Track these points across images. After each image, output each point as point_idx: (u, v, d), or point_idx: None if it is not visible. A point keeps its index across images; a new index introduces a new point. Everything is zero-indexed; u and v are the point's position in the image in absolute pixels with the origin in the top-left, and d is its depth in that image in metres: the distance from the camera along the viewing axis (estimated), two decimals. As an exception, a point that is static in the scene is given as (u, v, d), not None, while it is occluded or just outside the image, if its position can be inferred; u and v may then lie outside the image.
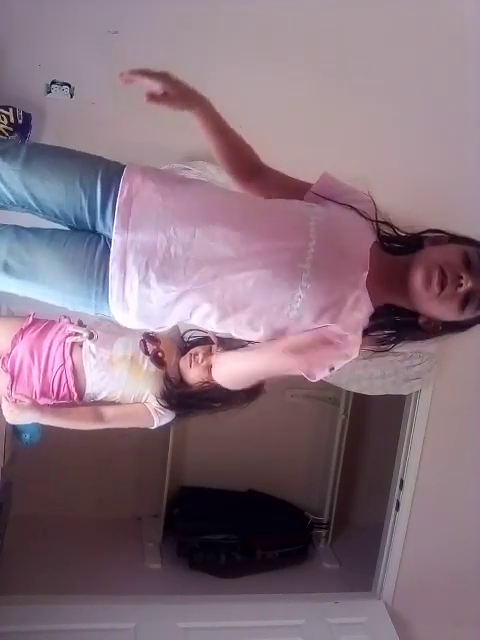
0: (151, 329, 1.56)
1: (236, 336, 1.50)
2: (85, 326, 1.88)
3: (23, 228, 1.50)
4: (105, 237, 1.43)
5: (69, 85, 2.60)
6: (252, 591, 3.58)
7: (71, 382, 1.79)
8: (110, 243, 1.40)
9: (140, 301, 1.41)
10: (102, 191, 1.42)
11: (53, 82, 2.59)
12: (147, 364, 1.80)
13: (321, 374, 1.43)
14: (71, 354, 1.80)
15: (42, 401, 1.80)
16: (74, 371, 1.79)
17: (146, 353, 1.79)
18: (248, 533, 3.87)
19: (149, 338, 1.82)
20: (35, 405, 1.76)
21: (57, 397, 1.82)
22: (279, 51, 2.69)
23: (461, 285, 1.37)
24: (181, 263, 1.38)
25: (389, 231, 1.52)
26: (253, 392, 1.83)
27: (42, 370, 1.80)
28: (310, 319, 1.40)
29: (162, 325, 1.50)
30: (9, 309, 2.82)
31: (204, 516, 3.90)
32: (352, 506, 4.32)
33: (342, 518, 4.25)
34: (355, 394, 3.71)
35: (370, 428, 4.23)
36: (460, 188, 2.92)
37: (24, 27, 2.54)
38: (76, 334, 1.82)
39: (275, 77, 2.67)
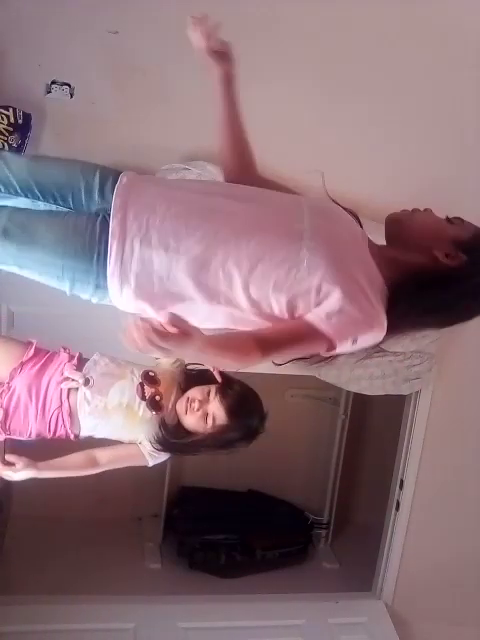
0: (150, 313, 1.47)
1: (243, 314, 1.46)
2: (85, 360, 1.84)
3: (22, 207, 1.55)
4: (104, 212, 1.45)
5: (69, 85, 2.60)
6: (252, 591, 3.58)
7: (68, 424, 1.77)
8: (109, 217, 1.43)
9: (141, 265, 1.40)
10: (100, 178, 1.49)
11: (53, 82, 2.59)
12: (143, 410, 1.75)
13: (344, 345, 1.42)
14: (68, 397, 1.76)
15: (36, 439, 1.78)
16: (70, 415, 1.76)
17: (143, 398, 1.74)
18: (248, 533, 3.88)
19: (148, 379, 1.78)
20: (30, 465, 1.76)
21: (53, 436, 1.80)
22: (280, 50, 2.70)
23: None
24: (182, 221, 1.40)
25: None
26: (251, 435, 1.87)
27: (39, 410, 1.76)
28: (318, 279, 1.39)
29: (162, 305, 1.45)
30: (9, 309, 2.83)
31: (204, 516, 3.90)
32: (352, 506, 4.32)
33: (342, 518, 4.25)
34: (355, 394, 3.71)
35: (370, 428, 4.23)
36: (460, 188, 2.92)
37: (24, 27, 2.54)
38: (71, 380, 1.77)
39: (275, 77, 2.67)
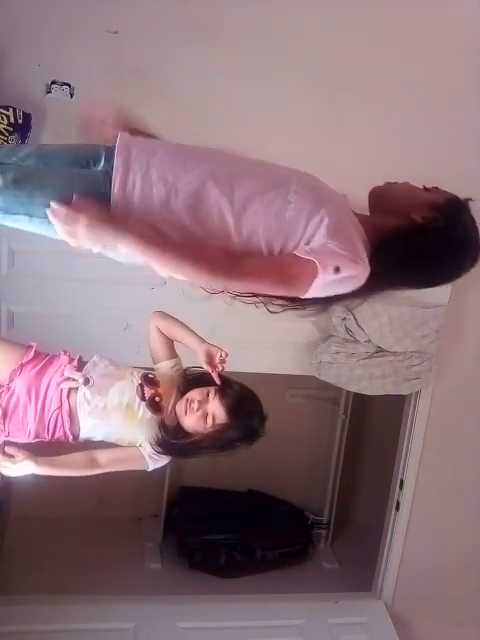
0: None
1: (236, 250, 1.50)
2: (85, 363, 1.83)
3: None
4: (108, 167, 1.54)
5: (69, 85, 2.60)
6: (252, 591, 3.58)
7: (67, 425, 1.77)
8: (112, 171, 1.51)
9: (142, 200, 1.48)
10: (105, 150, 1.58)
11: (53, 82, 2.59)
12: (142, 410, 1.75)
13: (326, 273, 1.45)
14: (68, 398, 1.76)
15: (34, 441, 1.77)
16: (70, 415, 1.76)
17: (143, 399, 1.75)
18: (248, 533, 3.88)
19: (147, 381, 1.79)
20: (30, 458, 1.74)
21: (52, 437, 1.80)
22: (279, 50, 2.70)
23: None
24: (181, 161, 1.51)
25: None
26: (251, 436, 1.85)
27: (39, 410, 1.76)
28: (304, 219, 1.46)
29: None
30: (9, 309, 2.83)
31: (204, 516, 3.90)
32: (352, 506, 4.32)
33: (342, 518, 4.25)
34: (355, 394, 3.71)
35: (370, 428, 4.23)
36: (460, 189, 2.91)
37: (24, 27, 2.54)
38: (71, 380, 1.77)
39: (275, 77, 2.67)
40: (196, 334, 1.85)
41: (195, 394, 1.77)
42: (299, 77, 2.72)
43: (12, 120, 2.45)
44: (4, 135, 2.45)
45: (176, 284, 3.01)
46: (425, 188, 1.63)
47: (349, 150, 2.78)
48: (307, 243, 1.47)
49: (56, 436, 1.79)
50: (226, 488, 4.04)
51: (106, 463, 1.81)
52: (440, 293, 3.06)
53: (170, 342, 1.90)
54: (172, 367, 1.88)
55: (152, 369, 1.87)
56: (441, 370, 3.23)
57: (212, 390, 1.77)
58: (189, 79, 2.64)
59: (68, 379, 1.77)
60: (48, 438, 1.80)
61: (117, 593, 3.33)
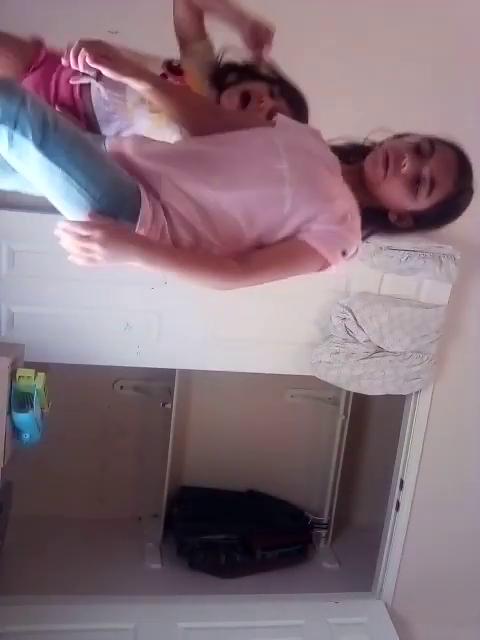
0: None
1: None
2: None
3: None
4: None
5: (69, 85, 2.60)
6: (252, 591, 3.58)
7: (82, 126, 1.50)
8: None
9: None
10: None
11: (53, 82, 2.59)
12: None
13: (335, 256, 1.46)
14: (80, 95, 1.53)
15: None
16: (85, 115, 1.53)
17: None
18: (248, 533, 3.87)
19: (171, 69, 1.57)
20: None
21: None
22: (279, 49, 2.69)
23: (405, 165, 1.47)
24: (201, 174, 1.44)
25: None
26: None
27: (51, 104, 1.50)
28: (304, 211, 1.44)
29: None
30: (9, 309, 2.83)
31: (204, 516, 3.90)
32: (352, 506, 4.32)
33: (342, 518, 4.24)
34: (355, 394, 3.71)
35: (370, 428, 4.22)
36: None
37: (23, 27, 2.54)
38: (82, 74, 1.48)
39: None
40: (236, 5, 1.52)
41: (260, 86, 1.54)
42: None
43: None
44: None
45: (176, 284, 3.02)
46: (397, 136, 1.56)
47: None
48: (308, 230, 1.46)
49: None
50: (226, 488, 4.04)
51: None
52: (440, 293, 3.06)
53: (199, 17, 1.61)
54: (201, 51, 1.59)
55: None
56: (441, 370, 3.23)
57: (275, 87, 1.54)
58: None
59: (79, 74, 1.50)
60: None
61: (117, 593, 3.33)
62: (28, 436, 2.61)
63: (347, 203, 1.48)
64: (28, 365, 2.61)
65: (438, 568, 3.50)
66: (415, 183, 1.47)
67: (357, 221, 1.49)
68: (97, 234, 1.29)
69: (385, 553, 3.51)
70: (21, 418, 2.51)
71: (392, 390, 3.16)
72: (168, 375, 3.67)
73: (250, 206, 1.43)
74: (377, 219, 1.57)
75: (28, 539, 3.52)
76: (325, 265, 1.48)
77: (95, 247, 1.30)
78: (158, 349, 2.98)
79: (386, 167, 1.48)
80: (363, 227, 1.52)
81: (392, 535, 3.47)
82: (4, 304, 2.82)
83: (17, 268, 2.77)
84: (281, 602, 3.48)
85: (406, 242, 2.92)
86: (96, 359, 2.92)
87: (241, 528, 3.88)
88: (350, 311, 2.98)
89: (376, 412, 4.11)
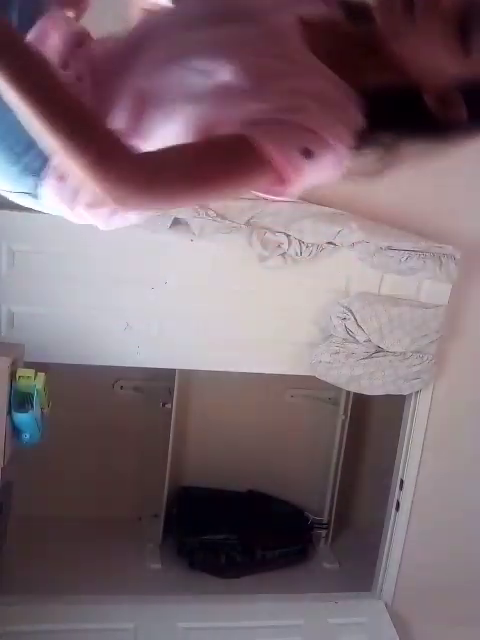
0: None
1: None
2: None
3: None
4: None
5: (69, 85, 2.60)
6: (252, 591, 3.58)
7: None
8: None
9: None
10: None
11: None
12: None
13: (289, 158, 0.91)
14: None
15: None
16: None
17: None
18: (248, 533, 3.87)
19: None
20: None
21: None
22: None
23: None
24: None
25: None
26: None
27: None
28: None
29: None
30: (9, 309, 2.83)
31: (204, 516, 3.90)
32: (352, 506, 4.32)
33: (342, 518, 4.24)
34: (355, 394, 3.71)
35: (370, 428, 4.23)
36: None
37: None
38: None
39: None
40: None
41: None
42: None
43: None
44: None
45: (177, 284, 3.03)
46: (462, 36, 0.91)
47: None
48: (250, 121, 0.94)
49: None
50: (226, 488, 4.04)
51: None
52: (440, 293, 3.07)
53: None
54: None
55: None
56: (441, 370, 3.23)
57: None
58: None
59: None
60: None
61: (117, 593, 3.33)
62: (28, 436, 2.62)
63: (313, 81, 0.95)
64: (28, 365, 2.61)
65: (438, 568, 3.50)
66: (465, 26, 0.87)
67: (338, 108, 0.94)
68: None
69: (385, 553, 3.51)
70: (21, 418, 2.51)
71: (392, 390, 3.16)
72: (168, 375, 3.67)
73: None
74: (404, 111, 1.00)
75: (28, 539, 3.53)
76: (277, 177, 0.93)
77: None
78: (158, 349, 2.98)
79: (410, 9, 0.89)
80: (382, 128, 1.00)
81: (392, 535, 3.47)
82: (4, 304, 2.82)
83: (17, 268, 2.77)
84: (281, 602, 3.48)
85: (406, 242, 2.92)
86: (96, 359, 2.92)
87: (241, 528, 3.88)
88: (350, 311, 2.98)
89: (376, 412, 4.11)
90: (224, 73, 0.94)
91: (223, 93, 0.94)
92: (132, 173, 0.89)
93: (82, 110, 0.90)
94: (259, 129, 0.90)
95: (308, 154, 0.91)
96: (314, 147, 0.91)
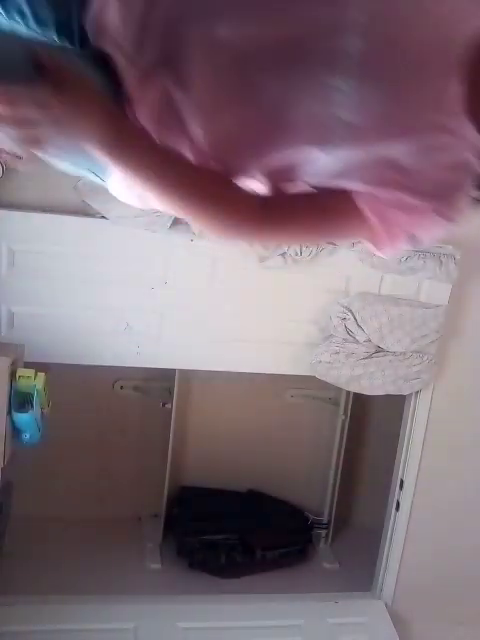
0: None
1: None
2: None
3: None
4: None
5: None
6: (252, 591, 3.58)
7: None
8: None
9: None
10: None
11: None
12: None
13: (394, 243, 0.92)
14: None
15: None
16: None
17: None
18: (248, 533, 3.87)
19: None
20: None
21: None
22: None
23: None
24: None
25: None
26: None
27: None
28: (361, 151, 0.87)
29: None
30: (9, 309, 2.83)
31: (204, 516, 3.90)
32: (352, 506, 4.32)
33: (342, 518, 4.24)
34: (355, 394, 3.71)
35: (370, 428, 4.23)
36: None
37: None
38: None
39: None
40: None
41: None
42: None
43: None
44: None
45: (177, 284, 3.03)
46: None
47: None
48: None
49: None
50: (226, 488, 4.04)
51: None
52: (440, 293, 3.07)
53: None
54: None
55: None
56: (441, 370, 3.23)
57: None
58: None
59: None
60: None
61: (117, 593, 3.33)
62: (28, 436, 2.62)
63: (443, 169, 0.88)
64: (28, 365, 2.61)
65: (438, 568, 3.50)
66: None
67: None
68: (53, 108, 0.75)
69: (385, 553, 3.51)
70: (21, 418, 2.51)
71: (392, 390, 3.16)
72: (168, 375, 3.67)
73: None
74: None
75: (28, 539, 3.53)
76: (375, 242, 0.95)
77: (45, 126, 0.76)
78: (158, 349, 2.98)
79: None
80: None
81: (392, 535, 3.47)
82: (4, 304, 2.82)
83: (17, 268, 2.77)
84: (281, 602, 3.48)
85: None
86: (96, 359, 2.92)
87: (241, 528, 3.88)
88: (350, 311, 2.98)
89: (376, 412, 4.11)
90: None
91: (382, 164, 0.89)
92: (250, 233, 0.96)
93: (209, 185, 0.89)
94: (376, 206, 0.89)
95: (413, 239, 0.92)
96: (422, 233, 0.90)
